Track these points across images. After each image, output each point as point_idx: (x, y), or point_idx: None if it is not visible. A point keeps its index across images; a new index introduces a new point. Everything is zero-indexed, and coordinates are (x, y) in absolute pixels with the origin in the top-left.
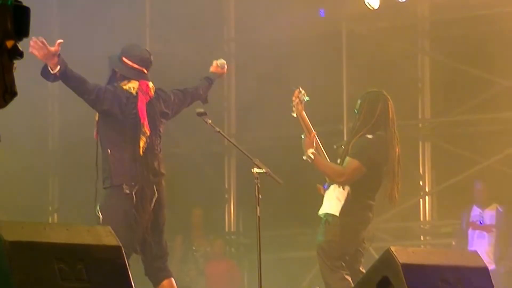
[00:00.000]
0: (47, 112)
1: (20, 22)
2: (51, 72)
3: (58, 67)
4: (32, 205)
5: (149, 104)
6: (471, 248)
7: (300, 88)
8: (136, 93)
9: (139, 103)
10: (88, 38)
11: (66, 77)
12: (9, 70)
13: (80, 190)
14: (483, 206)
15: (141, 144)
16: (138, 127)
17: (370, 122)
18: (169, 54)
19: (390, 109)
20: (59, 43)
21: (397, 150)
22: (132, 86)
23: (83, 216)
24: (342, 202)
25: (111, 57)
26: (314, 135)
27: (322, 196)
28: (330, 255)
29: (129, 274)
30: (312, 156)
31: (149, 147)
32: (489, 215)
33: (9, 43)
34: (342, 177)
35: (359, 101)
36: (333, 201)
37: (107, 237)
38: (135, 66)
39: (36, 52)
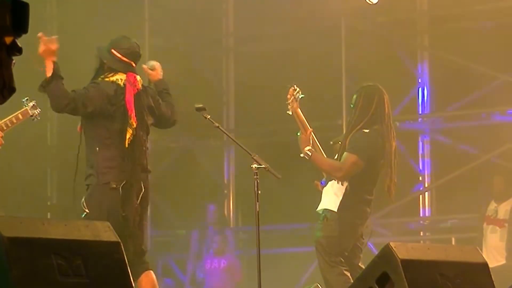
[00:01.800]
0: (46, 107)
1: (18, 18)
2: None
3: (52, 70)
4: (30, 200)
5: (137, 96)
6: (485, 242)
7: (295, 86)
8: (124, 84)
9: (127, 95)
10: (87, 33)
11: (56, 81)
12: (8, 66)
13: (79, 186)
14: (500, 201)
15: (127, 135)
16: (125, 119)
17: (366, 116)
18: (168, 49)
19: (386, 103)
20: (55, 39)
21: (394, 144)
22: (119, 77)
23: (81, 211)
24: (340, 197)
25: (100, 48)
26: (310, 132)
27: (321, 192)
28: (329, 250)
29: (127, 270)
30: (310, 153)
31: (137, 141)
32: (504, 209)
33: (8, 39)
34: (340, 173)
35: (354, 96)
36: (331, 196)
37: (105, 232)
38: (124, 58)
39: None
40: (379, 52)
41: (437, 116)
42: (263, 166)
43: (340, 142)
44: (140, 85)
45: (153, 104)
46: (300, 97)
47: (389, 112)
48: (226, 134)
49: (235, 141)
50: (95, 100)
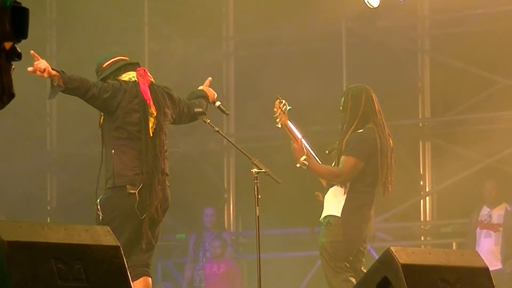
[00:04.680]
0: (45, 112)
1: (18, 24)
2: (57, 85)
3: (60, 76)
4: (30, 204)
5: (151, 87)
6: (478, 247)
7: (280, 98)
8: (136, 79)
9: (141, 85)
10: (86, 38)
11: (69, 80)
12: (7, 71)
13: (78, 190)
14: (493, 205)
15: (150, 124)
16: (145, 110)
17: (357, 116)
18: (168, 53)
19: (374, 101)
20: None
21: (390, 141)
22: (130, 75)
23: (81, 215)
24: (343, 202)
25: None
26: (301, 140)
27: (322, 202)
28: (334, 256)
29: (127, 274)
30: (306, 163)
31: (159, 131)
32: (497, 214)
33: (7, 45)
34: (340, 177)
35: (342, 98)
36: (333, 202)
37: (105, 236)
38: (119, 58)
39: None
40: (379, 56)
41: (438, 120)
42: (263, 170)
43: (336, 151)
44: (152, 79)
45: (170, 92)
46: (287, 109)
47: (379, 109)
48: (226, 138)
49: (235, 146)
50: (112, 89)
